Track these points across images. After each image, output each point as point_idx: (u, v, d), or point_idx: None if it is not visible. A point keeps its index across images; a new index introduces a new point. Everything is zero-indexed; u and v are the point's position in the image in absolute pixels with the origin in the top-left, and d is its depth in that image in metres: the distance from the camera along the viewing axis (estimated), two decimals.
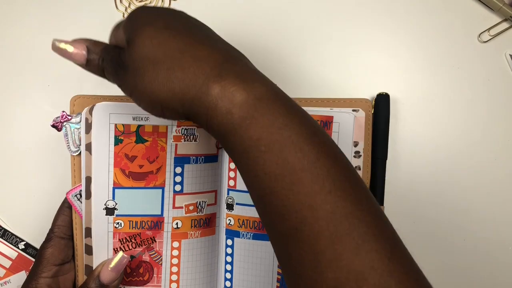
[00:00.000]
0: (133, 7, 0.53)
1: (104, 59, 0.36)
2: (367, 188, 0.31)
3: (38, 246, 0.51)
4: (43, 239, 0.45)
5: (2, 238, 0.51)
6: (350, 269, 0.28)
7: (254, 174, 0.30)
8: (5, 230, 0.52)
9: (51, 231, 0.45)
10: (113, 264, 0.43)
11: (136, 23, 0.33)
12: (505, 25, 0.52)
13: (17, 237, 0.52)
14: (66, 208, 0.45)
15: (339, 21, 0.53)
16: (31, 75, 0.53)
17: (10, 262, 0.52)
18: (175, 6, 0.53)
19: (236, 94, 0.30)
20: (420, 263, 0.51)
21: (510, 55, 0.52)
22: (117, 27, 0.36)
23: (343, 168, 0.30)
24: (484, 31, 0.52)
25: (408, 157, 0.52)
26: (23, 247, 0.52)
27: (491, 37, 0.52)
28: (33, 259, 0.52)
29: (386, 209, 0.52)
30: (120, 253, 0.43)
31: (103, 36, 0.38)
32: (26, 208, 0.52)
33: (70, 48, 0.36)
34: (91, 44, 0.36)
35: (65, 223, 0.45)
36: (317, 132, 0.31)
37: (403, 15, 0.53)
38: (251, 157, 0.30)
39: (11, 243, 0.52)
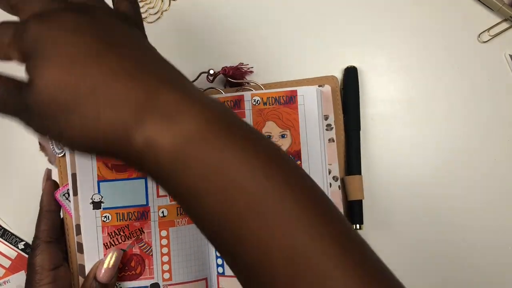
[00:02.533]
0: None
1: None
2: (339, 214, 0.29)
3: None
4: None
5: (2, 238, 0.52)
6: None
7: (201, 218, 0.28)
8: (5, 230, 0.52)
9: (36, 238, 0.44)
10: (108, 263, 0.43)
11: (39, 51, 0.27)
12: (504, 25, 0.51)
13: (16, 237, 0.52)
14: (45, 212, 0.45)
15: (338, 21, 0.53)
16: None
17: (9, 262, 0.52)
18: (174, 6, 0.54)
19: (161, 140, 0.26)
20: (420, 263, 0.50)
21: (509, 55, 0.51)
22: (19, 34, 0.28)
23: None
24: (484, 31, 0.52)
25: (407, 157, 0.51)
26: (22, 247, 0.52)
27: (491, 37, 0.52)
28: None
29: (385, 212, 0.51)
30: (113, 251, 0.44)
31: None
32: (26, 208, 0.52)
33: None
34: None
35: (48, 227, 0.44)
36: (269, 159, 0.28)
37: (403, 15, 0.52)
38: (192, 204, 0.28)
39: (10, 243, 0.52)
